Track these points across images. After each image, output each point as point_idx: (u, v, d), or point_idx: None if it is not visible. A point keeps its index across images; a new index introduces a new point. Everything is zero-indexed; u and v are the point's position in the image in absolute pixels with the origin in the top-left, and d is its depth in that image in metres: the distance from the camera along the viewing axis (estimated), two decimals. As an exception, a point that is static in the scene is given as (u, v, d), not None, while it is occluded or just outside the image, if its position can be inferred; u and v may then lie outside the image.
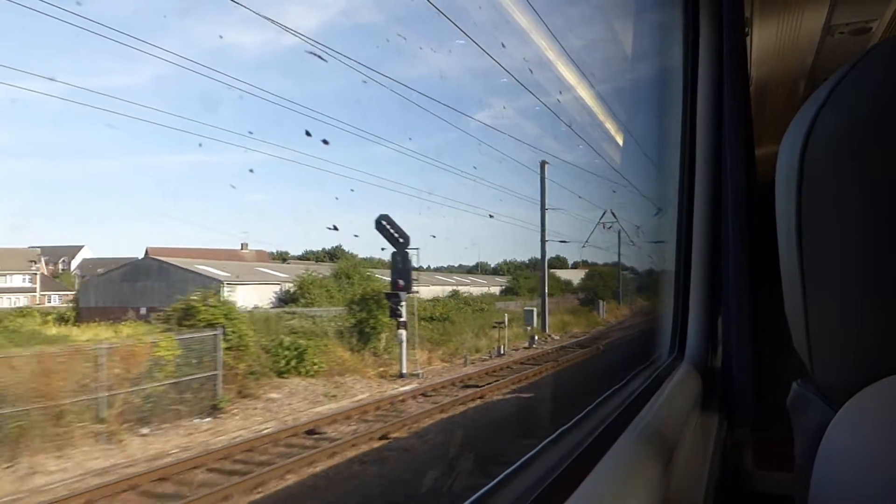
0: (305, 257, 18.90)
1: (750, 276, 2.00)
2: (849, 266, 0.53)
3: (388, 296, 11.84)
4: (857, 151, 0.51)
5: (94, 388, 8.03)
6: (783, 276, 0.63)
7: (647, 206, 3.67)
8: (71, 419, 7.61)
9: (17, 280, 16.76)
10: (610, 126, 3.98)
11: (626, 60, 3.24)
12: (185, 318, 10.10)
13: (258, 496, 6.25)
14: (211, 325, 9.76)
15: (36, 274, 17.22)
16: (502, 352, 14.50)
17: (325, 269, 15.68)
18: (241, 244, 17.44)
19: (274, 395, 9.55)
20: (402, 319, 11.48)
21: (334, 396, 9.92)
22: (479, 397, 9.97)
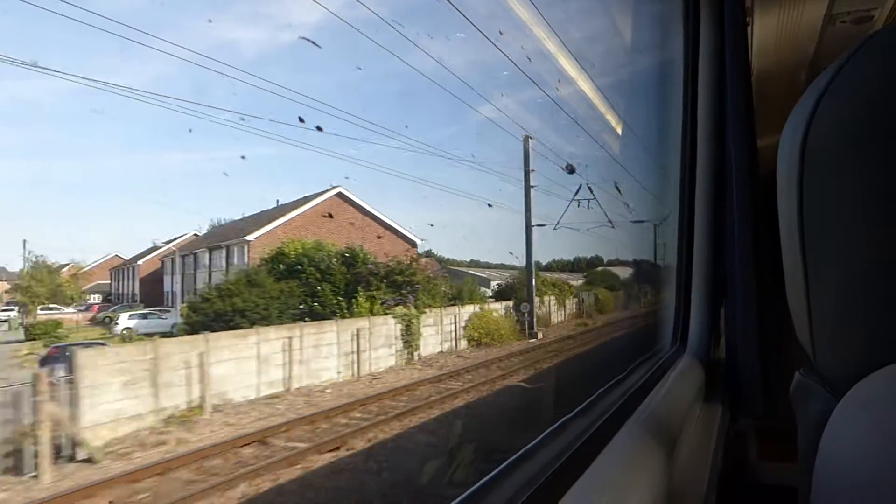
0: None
1: (752, 266, 2.00)
2: (850, 254, 0.53)
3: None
4: (857, 139, 0.51)
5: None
6: (785, 265, 0.63)
7: (651, 198, 3.67)
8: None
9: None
10: (611, 118, 3.97)
11: (626, 52, 3.23)
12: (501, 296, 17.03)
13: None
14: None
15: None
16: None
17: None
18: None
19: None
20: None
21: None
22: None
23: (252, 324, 9.82)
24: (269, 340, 9.06)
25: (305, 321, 10.21)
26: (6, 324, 13.09)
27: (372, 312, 11.30)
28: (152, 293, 16.21)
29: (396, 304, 11.49)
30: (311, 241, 11.41)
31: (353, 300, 11.21)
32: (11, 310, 13.58)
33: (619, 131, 3.80)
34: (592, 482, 0.80)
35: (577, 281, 22.93)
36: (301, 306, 10.71)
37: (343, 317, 10.89)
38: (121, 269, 18.74)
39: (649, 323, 2.32)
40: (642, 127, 3.50)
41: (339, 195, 12.34)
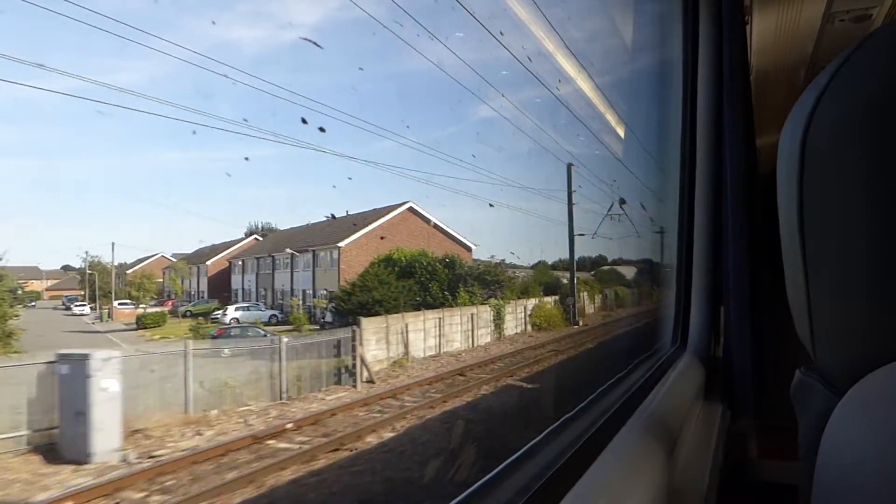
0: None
1: (751, 265, 2.00)
2: (851, 252, 0.53)
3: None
4: (858, 137, 0.51)
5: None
6: (785, 263, 0.63)
7: (650, 197, 3.67)
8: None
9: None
10: (610, 117, 3.97)
11: (625, 51, 3.23)
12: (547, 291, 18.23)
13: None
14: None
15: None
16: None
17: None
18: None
19: (580, 322, 17.43)
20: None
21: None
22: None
23: (387, 311, 13.08)
24: (427, 320, 13.42)
25: (421, 310, 13.91)
26: (96, 315, 15.20)
27: (471, 304, 15.31)
28: (219, 290, 18.30)
29: (489, 297, 15.84)
30: (416, 249, 15.19)
31: (456, 294, 15.24)
32: (83, 304, 15.34)
33: (619, 131, 3.80)
34: (594, 481, 0.80)
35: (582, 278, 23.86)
36: (417, 299, 14.50)
37: (450, 306, 14.79)
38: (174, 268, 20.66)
39: (659, 316, 2.38)
40: (642, 127, 3.51)
41: (410, 209, 15.07)
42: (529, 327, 16.94)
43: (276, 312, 15.38)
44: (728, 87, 2.07)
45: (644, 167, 3.71)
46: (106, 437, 6.46)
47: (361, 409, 8.94)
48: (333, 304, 13.90)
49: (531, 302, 17.30)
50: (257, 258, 17.47)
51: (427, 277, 14.90)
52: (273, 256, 16.73)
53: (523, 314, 16.96)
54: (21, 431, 6.41)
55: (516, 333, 16.33)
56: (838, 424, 0.52)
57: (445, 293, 14.97)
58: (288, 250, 15.63)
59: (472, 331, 14.92)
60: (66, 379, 6.67)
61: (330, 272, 14.56)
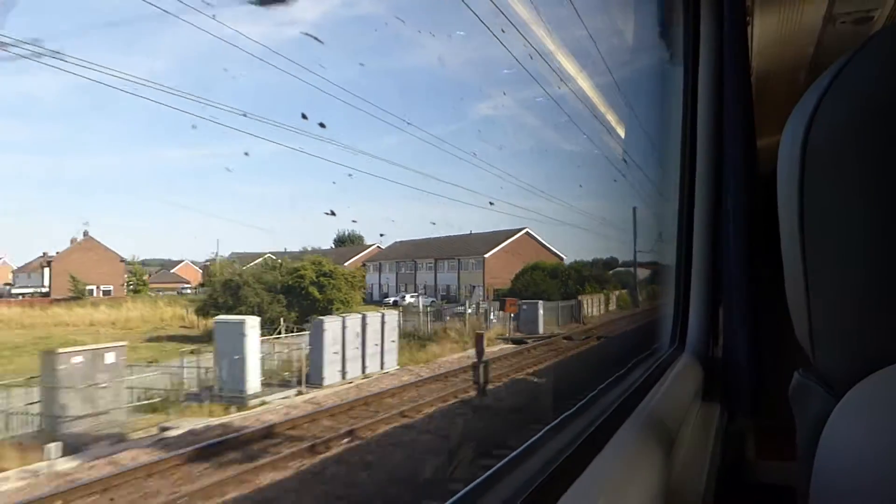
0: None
1: (751, 266, 2.00)
2: (851, 254, 0.53)
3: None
4: (859, 139, 0.51)
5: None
6: (785, 264, 0.63)
7: (651, 197, 3.67)
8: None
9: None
10: (611, 118, 3.97)
11: (627, 51, 3.23)
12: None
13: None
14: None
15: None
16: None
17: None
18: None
19: (639, 307, 21.62)
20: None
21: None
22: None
23: (549, 299, 19.29)
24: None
25: (566, 299, 20.88)
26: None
27: (596, 293, 23.34)
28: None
29: (603, 290, 23.10)
30: (554, 261, 22.89)
31: (583, 288, 22.59)
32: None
33: (620, 131, 3.80)
34: (592, 481, 0.80)
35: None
36: (561, 291, 21.38)
37: (586, 294, 22.57)
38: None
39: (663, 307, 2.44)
40: (643, 127, 3.50)
41: (527, 233, 21.03)
42: (616, 307, 24.69)
43: (434, 298, 21.69)
44: (729, 88, 2.07)
45: (645, 167, 3.71)
46: (392, 360, 11.58)
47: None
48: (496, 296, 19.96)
49: (616, 293, 24.92)
50: (396, 261, 23.08)
51: (565, 279, 22.56)
52: (415, 261, 23.24)
53: (614, 299, 24.91)
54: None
55: (615, 309, 24.15)
56: (836, 426, 0.52)
57: (578, 287, 22.90)
58: (431, 258, 22.18)
59: (607, 305, 23.87)
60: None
61: (474, 273, 21.11)
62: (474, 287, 20.21)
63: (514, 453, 0.95)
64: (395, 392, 9.31)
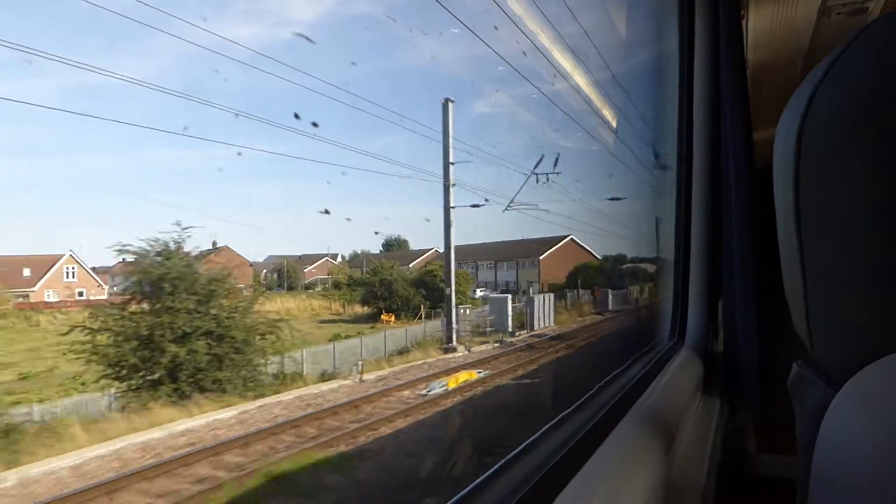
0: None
1: (750, 259, 2.00)
2: (848, 245, 0.53)
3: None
4: (854, 129, 0.51)
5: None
6: (782, 255, 0.62)
7: (648, 191, 3.67)
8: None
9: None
10: (607, 112, 3.97)
11: (621, 46, 3.23)
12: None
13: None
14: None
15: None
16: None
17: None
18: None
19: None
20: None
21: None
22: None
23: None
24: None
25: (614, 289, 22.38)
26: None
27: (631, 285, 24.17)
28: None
29: (637, 282, 23.23)
30: (595, 261, 23.98)
31: (623, 281, 22.97)
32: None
33: (616, 126, 3.80)
34: (592, 476, 0.80)
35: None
36: (607, 283, 22.72)
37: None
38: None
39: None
40: (638, 122, 3.50)
41: (571, 239, 23.40)
42: (647, 293, 26.74)
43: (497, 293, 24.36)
44: (725, 81, 2.07)
45: (642, 161, 3.71)
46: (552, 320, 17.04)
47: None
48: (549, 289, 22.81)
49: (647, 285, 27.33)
50: (457, 262, 25.15)
51: (609, 273, 23.29)
52: (476, 262, 26.60)
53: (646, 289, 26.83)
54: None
55: (648, 294, 26.01)
56: (835, 417, 0.52)
57: (619, 280, 23.88)
58: (492, 259, 25.52)
59: (641, 293, 25.05)
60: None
61: (530, 272, 24.27)
62: (531, 282, 24.24)
63: (514, 451, 0.95)
64: (577, 328, 17.40)
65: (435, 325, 16.69)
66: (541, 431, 1.04)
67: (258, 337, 9.71)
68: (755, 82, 4.23)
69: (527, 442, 0.99)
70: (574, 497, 0.74)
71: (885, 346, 0.50)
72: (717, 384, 1.99)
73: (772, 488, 1.79)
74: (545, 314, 17.85)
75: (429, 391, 9.14)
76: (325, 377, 10.98)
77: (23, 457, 6.72)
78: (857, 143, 0.51)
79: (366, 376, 10.66)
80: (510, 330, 16.44)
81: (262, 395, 8.95)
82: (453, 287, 15.71)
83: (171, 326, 8.41)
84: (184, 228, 9.45)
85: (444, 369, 11.05)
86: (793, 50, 4.26)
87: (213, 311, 8.88)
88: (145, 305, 8.78)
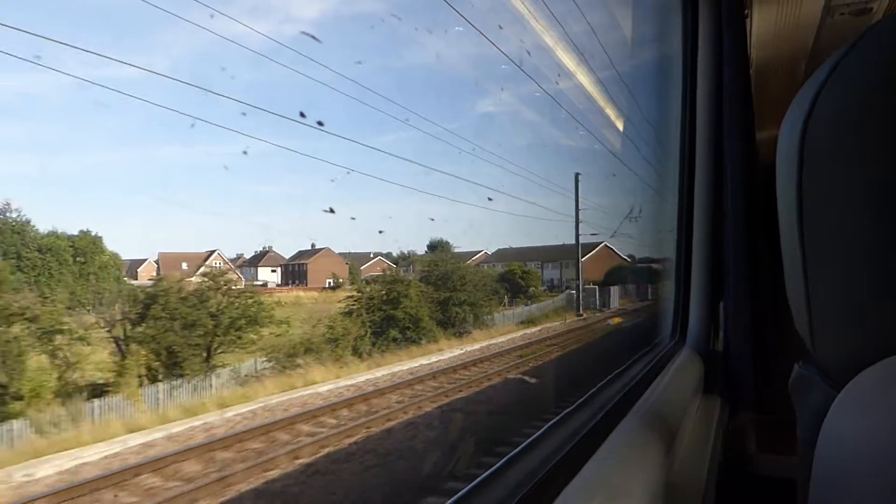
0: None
1: (751, 260, 2.00)
2: (850, 246, 0.53)
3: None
4: (857, 130, 0.51)
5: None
6: (784, 256, 0.63)
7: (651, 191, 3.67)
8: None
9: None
10: (610, 112, 3.96)
11: (625, 45, 3.22)
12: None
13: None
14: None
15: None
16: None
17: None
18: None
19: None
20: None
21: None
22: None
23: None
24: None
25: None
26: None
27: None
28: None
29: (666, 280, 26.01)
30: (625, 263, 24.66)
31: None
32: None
33: (619, 126, 3.79)
34: (593, 474, 0.80)
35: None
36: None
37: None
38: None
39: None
40: (642, 121, 3.50)
41: (605, 245, 23.77)
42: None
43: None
44: (728, 81, 2.07)
45: (644, 161, 3.71)
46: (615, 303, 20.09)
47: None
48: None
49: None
50: (502, 263, 26.34)
51: (645, 273, 24.85)
52: (525, 263, 26.65)
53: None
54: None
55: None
56: (836, 418, 0.52)
57: (651, 277, 25.11)
58: (538, 260, 25.12)
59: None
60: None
61: (570, 271, 24.66)
62: (572, 280, 25.83)
63: (515, 450, 0.95)
64: (639, 306, 17.93)
65: (517, 312, 18.51)
66: (543, 429, 1.05)
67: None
68: (758, 82, 4.21)
69: (529, 439, 0.99)
70: (576, 495, 0.75)
71: (888, 348, 0.50)
72: (718, 383, 1.99)
73: (772, 488, 1.79)
74: (614, 298, 21.14)
75: (609, 323, 16.57)
76: (527, 325, 16.01)
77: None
78: (862, 143, 0.51)
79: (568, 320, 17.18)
80: (598, 307, 20.04)
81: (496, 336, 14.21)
82: (580, 275, 19.64)
83: (452, 299, 14.41)
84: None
85: (600, 319, 17.68)
86: (796, 50, 4.25)
87: (469, 288, 15.06)
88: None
